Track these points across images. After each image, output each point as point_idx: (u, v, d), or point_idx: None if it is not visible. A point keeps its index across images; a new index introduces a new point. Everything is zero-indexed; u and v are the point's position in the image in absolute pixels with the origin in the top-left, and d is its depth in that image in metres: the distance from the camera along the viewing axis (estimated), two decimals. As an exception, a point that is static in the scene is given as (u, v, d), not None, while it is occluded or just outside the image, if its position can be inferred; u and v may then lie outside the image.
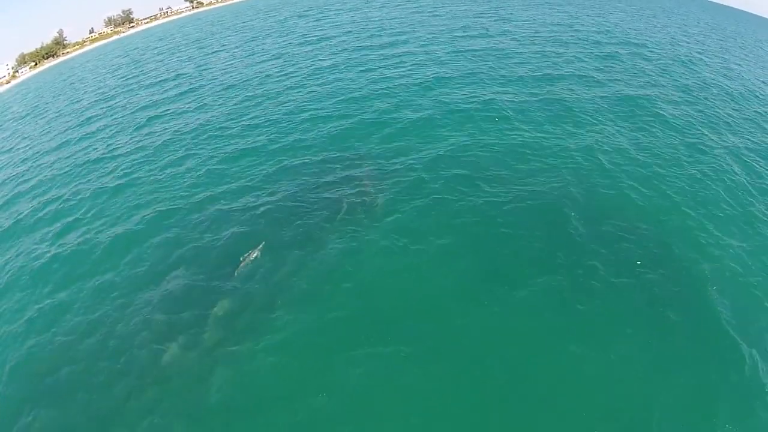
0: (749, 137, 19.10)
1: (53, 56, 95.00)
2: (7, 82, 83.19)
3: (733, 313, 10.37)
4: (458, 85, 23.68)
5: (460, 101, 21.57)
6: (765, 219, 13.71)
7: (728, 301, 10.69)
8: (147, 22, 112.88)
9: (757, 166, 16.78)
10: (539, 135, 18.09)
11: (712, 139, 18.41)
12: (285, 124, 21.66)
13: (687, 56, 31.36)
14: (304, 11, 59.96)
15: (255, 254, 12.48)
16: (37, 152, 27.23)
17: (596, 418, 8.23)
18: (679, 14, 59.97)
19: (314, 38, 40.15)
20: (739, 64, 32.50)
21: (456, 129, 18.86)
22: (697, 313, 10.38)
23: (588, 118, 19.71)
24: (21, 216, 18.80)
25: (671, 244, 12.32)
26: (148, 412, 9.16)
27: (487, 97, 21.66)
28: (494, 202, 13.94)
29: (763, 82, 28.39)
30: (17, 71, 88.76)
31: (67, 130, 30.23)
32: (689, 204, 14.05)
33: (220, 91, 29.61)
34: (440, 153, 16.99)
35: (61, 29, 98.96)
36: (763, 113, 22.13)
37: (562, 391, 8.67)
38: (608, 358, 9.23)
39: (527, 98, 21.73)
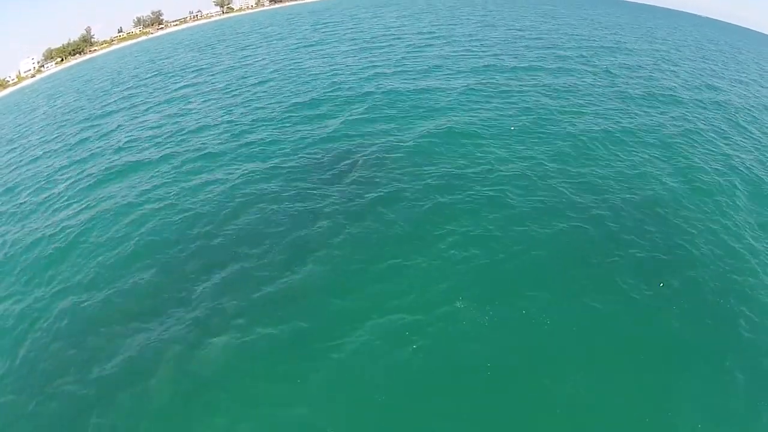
0: None
1: (80, 53, 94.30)
2: (32, 76, 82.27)
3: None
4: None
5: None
6: None
7: None
8: (176, 25, 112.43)
9: None
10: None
11: None
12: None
13: None
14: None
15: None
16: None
17: None
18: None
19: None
20: None
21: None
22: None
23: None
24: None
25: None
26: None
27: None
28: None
29: None
30: (43, 66, 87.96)
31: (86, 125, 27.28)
32: None
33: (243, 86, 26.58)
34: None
35: (89, 27, 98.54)
36: None
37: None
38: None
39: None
